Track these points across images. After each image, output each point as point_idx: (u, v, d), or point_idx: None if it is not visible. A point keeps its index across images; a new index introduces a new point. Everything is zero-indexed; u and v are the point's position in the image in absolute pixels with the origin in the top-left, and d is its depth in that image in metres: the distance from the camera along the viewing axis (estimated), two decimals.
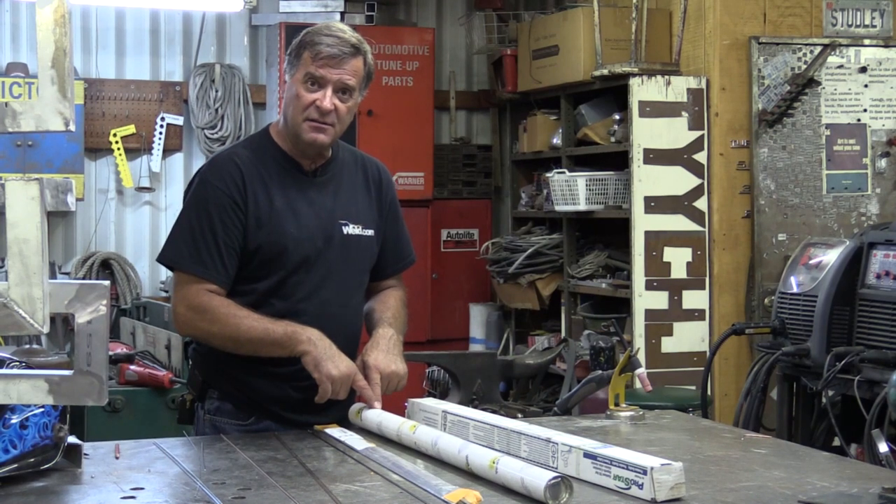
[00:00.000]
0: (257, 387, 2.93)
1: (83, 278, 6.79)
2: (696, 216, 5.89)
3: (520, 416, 3.02)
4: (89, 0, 6.92)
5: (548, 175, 6.60)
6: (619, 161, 6.18)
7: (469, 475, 2.33)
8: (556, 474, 2.12)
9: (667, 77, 5.89)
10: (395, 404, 2.91)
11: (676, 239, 5.87)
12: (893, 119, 6.08)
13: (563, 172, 6.43)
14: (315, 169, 3.00)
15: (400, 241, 3.18)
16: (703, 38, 5.97)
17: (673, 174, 5.87)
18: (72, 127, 1.57)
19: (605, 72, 6.13)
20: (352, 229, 3.00)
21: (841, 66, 6.01)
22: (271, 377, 2.92)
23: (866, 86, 6.03)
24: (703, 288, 5.89)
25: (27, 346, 5.42)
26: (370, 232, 3.05)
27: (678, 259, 5.87)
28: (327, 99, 2.87)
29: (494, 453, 2.31)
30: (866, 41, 6.08)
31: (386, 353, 2.92)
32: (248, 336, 2.82)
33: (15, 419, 2.24)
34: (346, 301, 3.00)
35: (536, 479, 2.12)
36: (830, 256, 4.75)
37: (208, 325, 2.86)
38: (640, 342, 5.76)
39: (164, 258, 2.97)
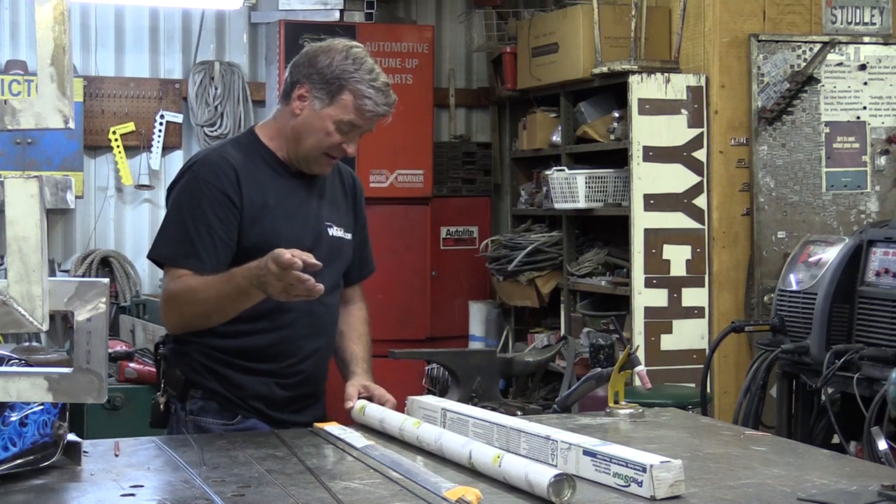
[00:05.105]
0: (243, 384, 2.94)
1: (82, 276, 6.79)
2: (696, 214, 5.89)
3: (519, 413, 3.01)
4: None
5: (547, 173, 6.60)
6: (618, 159, 6.17)
7: (469, 473, 2.33)
8: (560, 471, 2.13)
9: (666, 75, 5.89)
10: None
11: (676, 236, 5.87)
12: (893, 116, 6.08)
13: (563, 170, 6.43)
14: (301, 172, 3.04)
15: (366, 249, 3.24)
16: (703, 36, 5.97)
17: (672, 172, 5.86)
18: (71, 124, 1.57)
19: (605, 69, 6.13)
20: (335, 231, 3.06)
21: (840, 64, 6.00)
22: (258, 373, 2.94)
23: (866, 83, 6.03)
24: (703, 285, 5.89)
25: (26, 344, 5.40)
26: (349, 236, 3.11)
27: (677, 257, 5.87)
28: (353, 146, 2.97)
29: (499, 449, 2.32)
30: (866, 39, 6.07)
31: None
32: (213, 304, 2.80)
33: (14, 417, 2.23)
34: (329, 301, 3.02)
35: (540, 475, 2.12)
36: (830, 254, 4.75)
37: (181, 312, 2.87)
38: (639, 340, 5.76)
39: (157, 255, 2.94)
